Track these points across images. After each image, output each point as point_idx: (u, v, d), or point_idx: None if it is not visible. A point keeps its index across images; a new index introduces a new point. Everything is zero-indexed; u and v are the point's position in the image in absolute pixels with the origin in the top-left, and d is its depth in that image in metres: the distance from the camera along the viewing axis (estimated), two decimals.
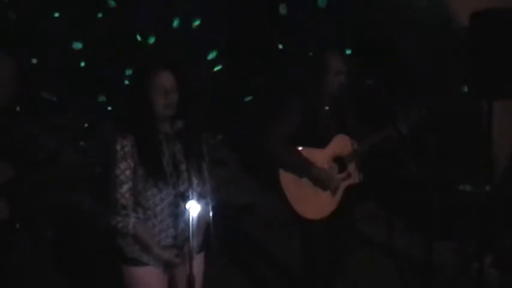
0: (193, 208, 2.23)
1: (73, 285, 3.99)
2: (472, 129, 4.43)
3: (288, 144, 3.08)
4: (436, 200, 4.34)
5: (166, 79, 2.36)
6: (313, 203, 3.16)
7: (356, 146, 3.23)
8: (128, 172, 2.34)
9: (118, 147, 2.34)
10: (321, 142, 3.17)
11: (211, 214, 2.48)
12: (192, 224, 2.22)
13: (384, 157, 4.89)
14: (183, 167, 2.41)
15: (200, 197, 2.40)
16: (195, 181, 2.41)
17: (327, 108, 3.21)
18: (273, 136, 3.09)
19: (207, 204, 2.48)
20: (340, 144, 3.21)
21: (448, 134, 4.64)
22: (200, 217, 2.30)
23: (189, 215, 2.22)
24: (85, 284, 3.99)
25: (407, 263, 4.29)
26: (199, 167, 2.45)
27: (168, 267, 2.48)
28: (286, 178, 3.13)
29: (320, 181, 3.13)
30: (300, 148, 3.13)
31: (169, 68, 2.40)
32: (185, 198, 2.31)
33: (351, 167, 3.25)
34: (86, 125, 5.02)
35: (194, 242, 2.39)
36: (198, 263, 2.47)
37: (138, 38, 4.95)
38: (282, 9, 5.26)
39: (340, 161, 3.23)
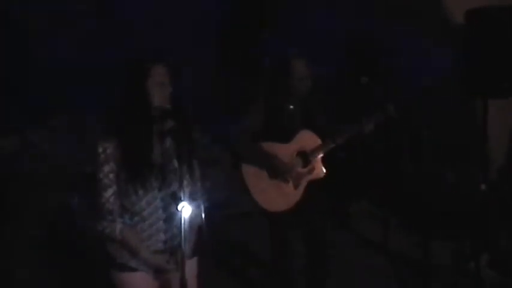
0: (185, 210, 2.18)
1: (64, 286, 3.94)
2: (468, 128, 4.42)
3: (252, 140, 3.26)
4: (432, 198, 4.35)
5: (162, 71, 2.34)
6: (274, 195, 3.29)
7: (320, 141, 3.35)
8: (111, 175, 2.27)
9: (100, 149, 2.27)
10: (285, 138, 3.32)
11: (203, 216, 2.45)
12: (184, 227, 2.17)
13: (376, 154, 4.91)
14: (170, 167, 2.34)
15: (191, 199, 2.32)
16: (185, 182, 2.32)
17: (291, 107, 3.35)
18: (237, 133, 3.30)
19: (198, 207, 2.44)
20: (304, 139, 3.34)
21: (444, 133, 4.63)
22: (192, 220, 2.25)
23: (180, 217, 2.16)
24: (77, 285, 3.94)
25: (403, 262, 4.27)
26: (191, 167, 2.38)
27: (158, 272, 2.40)
28: (248, 171, 3.29)
29: (280, 173, 3.27)
30: (263, 143, 3.28)
31: (163, 61, 2.37)
32: (176, 200, 2.23)
33: (315, 162, 3.35)
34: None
35: (186, 247, 2.34)
36: (190, 268, 2.40)
37: None
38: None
39: (303, 156, 3.34)
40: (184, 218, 2.18)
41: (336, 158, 3.49)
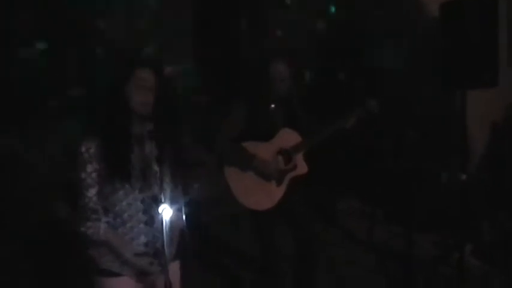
0: (166, 212, 2.17)
1: None
2: (448, 120, 4.46)
3: (233, 141, 3.26)
4: (415, 191, 4.38)
5: (147, 76, 2.32)
6: (257, 194, 3.29)
7: (302, 139, 3.37)
8: (94, 175, 2.25)
9: (83, 149, 2.25)
10: (267, 137, 3.33)
11: (184, 220, 2.42)
12: (165, 230, 2.16)
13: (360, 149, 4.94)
14: (152, 170, 2.33)
15: (173, 202, 2.32)
16: (167, 185, 2.33)
17: (272, 106, 3.37)
18: (218, 136, 3.29)
19: (179, 210, 2.42)
20: (286, 137, 3.35)
21: (424, 125, 4.67)
22: (173, 224, 2.23)
23: (161, 220, 2.15)
24: None
25: (390, 257, 4.30)
26: (173, 171, 2.38)
27: (141, 276, 2.37)
28: (231, 172, 3.29)
29: (262, 172, 3.28)
30: (245, 143, 3.28)
31: (151, 66, 2.35)
32: (157, 203, 2.23)
33: (297, 159, 3.37)
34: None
35: (168, 250, 2.32)
36: (173, 272, 2.39)
37: None
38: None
39: (285, 153, 3.36)
40: (165, 220, 2.16)
41: (322, 154, 3.49)
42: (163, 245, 2.24)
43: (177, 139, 2.46)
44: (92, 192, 2.25)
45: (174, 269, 2.44)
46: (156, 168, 2.32)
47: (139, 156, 2.33)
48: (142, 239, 2.32)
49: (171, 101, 2.43)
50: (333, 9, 5.07)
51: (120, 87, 2.30)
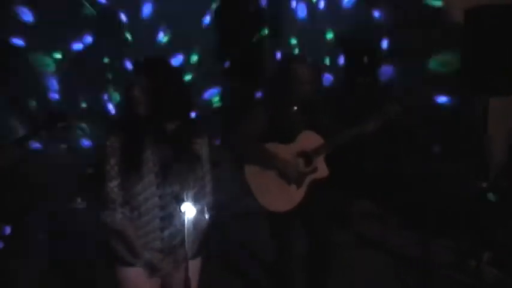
0: (189, 211, 2.20)
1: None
2: (468, 126, 4.43)
3: (254, 141, 3.25)
4: (431, 197, 4.36)
5: (145, 81, 2.40)
6: (277, 196, 3.29)
7: (323, 141, 3.35)
8: (116, 168, 2.40)
9: (108, 143, 2.41)
10: (288, 139, 3.32)
11: (207, 218, 2.50)
12: (187, 228, 2.20)
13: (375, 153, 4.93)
14: (172, 168, 2.41)
15: (195, 200, 2.36)
16: (189, 183, 2.40)
17: (295, 108, 3.36)
18: (238, 134, 3.29)
19: (202, 208, 2.49)
20: (307, 140, 3.34)
21: (445, 131, 4.65)
22: (195, 221, 2.28)
23: (183, 218, 2.20)
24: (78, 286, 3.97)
25: (404, 261, 4.28)
26: (194, 170, 2.45)
27: (154, 271, 2.46)
28: (251, 172, 3.29)
29: (283, 173, 3.27)
30: (266, 144, 3.28)
31: (144, 68, 2.44)
32: (178, 201, 2.28)
33: (317, 162, 3.36)
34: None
35: (187, 247, 2.36)
36: (193, 270, 2.44)
37: None
38: None
39: (306, 156, 3.35)
40: (187, 219, 2.20)
41: (336, 157, 3.49)
42: (181, 243, 2.37)
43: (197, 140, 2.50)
44: (114, 183, 2.40)
45: (194, 267, 2.51)
46: (175, 166, 2.41)
47: (159, 154, 2.42)
48: (158, 234, 2.42)
49: (179, 100, 2.46)
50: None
51: (127, 95, 2.43)
